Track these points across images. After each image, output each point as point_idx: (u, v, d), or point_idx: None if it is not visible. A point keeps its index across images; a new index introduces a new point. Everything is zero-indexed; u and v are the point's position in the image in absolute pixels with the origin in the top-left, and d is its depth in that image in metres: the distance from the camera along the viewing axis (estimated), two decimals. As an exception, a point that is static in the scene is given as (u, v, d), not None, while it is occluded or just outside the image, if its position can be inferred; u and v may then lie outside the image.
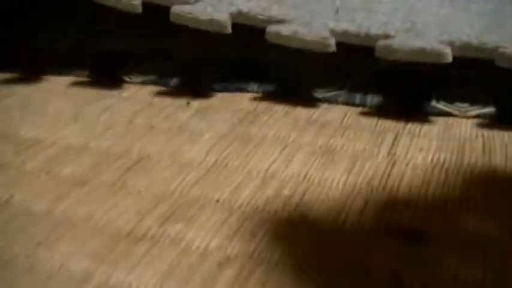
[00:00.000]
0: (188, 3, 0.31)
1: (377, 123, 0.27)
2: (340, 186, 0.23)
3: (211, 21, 0.29)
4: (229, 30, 0.29)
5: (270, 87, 0.31)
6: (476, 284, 0.18)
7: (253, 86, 0.31)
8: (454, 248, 0.19)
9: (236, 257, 0.20)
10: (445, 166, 0.24)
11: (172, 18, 0.30)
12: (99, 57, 0.35)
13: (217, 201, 0.23)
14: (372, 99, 0.29)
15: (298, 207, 0.22)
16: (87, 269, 0.20)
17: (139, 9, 0.31)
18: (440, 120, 0.27)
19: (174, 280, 0.19)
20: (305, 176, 0.24)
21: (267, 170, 0.25)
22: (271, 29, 0.29)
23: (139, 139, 0.28)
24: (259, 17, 0.30)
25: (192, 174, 0.25)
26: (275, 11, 0.30)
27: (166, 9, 0.31)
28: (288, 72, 0.31)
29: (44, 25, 0.37)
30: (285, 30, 0.29)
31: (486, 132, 0.26)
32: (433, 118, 0.27)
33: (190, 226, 0.22)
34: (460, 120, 0.27)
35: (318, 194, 0.23)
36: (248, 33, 0.30)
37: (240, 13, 0.30)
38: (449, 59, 0.26)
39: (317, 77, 0.31)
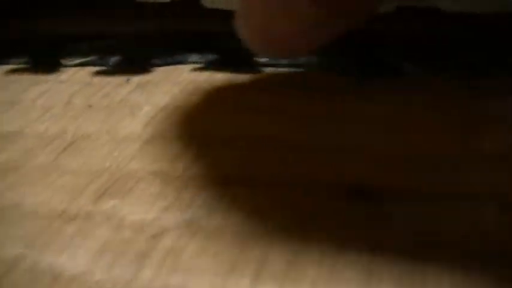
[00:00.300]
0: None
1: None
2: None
3: None
4: None
5: (211, 57, 0.30)
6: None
7: (194, 57, 0.30)
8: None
9: (172, 227, 0.19)
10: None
11: None
12: (36, 43, 0.34)
13: (154, 173, 0.22)
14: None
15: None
16: (19, 254, 0.19)
17: None
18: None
19: (107, 256, 0.18)
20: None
21: (205, 133, 0.24)
22: (205, -7, 0.28)
23: (76, 119, 0.26)
24: None
25: (129, 149, 0.24)
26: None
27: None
28: (229, 40, 0.30)
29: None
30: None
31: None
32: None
33: (126, 201, 0.21)
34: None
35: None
36: (184, 2, 0.29)
37: None
38: None
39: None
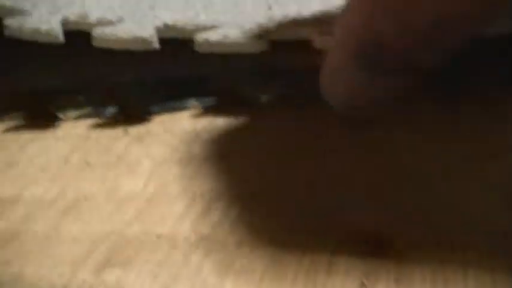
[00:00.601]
0: (111, 24, 0.28)
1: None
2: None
3: (136, 39, 0.27)
4: (157, 45, 0.27)
5: (208, 101, 0.29)
6: None
7: (192, 102, 0.29)
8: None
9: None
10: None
11: (95, 43, 0.28)
12: (30, 96, 0.33)
13: (159, 236, 0.21)
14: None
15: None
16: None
17: (62, 39, 0.29)
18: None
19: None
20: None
21: (211, 190, 0.23)
22: (200, 37, 0.27)
23: (75, 179, 0.26)
24: (187, 27, 0.28)
25: (130, 210, 0.23)
26: (202, 19, 0.28)
27: (88, 35, 0.28)
28: (226, 83, 0.29)
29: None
30: (214, 36, 0.27)
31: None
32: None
33: (130, 270, 0.20)
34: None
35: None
36: (179, 47, 0.28)
37: (166, 26, 0.28)
38: None
39: (255, 82, 0.28)
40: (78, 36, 0.29)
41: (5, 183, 0.27)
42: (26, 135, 0.31)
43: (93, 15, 0.29)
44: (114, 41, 0.28)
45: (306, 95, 0.28)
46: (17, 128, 0.31)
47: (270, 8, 0.28)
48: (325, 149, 0.24)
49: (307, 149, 0.24)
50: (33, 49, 0.31)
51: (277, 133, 0.26)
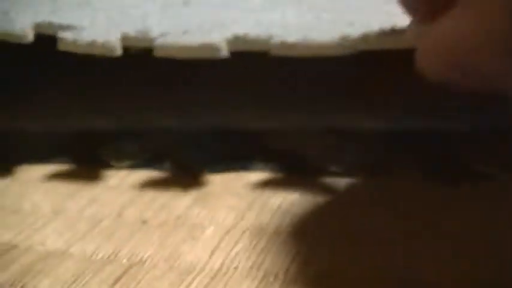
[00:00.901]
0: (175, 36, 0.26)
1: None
2: None
3: (203, 46, 0.25)
4: (226, 53, 0.25)
5: (277, 163, 0.27)
6: None
7: (258, 164, 0.27)
8: None
9: None
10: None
11: (156, 53, 0.26)
12: (80, 139, 0.31)
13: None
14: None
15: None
16: None
17: (119, 52, 0.26)
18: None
19: None
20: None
21: (287, 270, 0.20)
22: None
23: (130, 238, 0.23)
24: (260, 39, 0.25)
25: (194, 284, 0.20)
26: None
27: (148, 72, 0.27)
28: (293, 143, 0.27)
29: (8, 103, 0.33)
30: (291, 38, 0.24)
31: None
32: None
33: None
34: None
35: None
36: (250, 99, 0.26)
37: (236, 38, 0.25)
38: None
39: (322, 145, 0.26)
40: (134, 75, 0.28)
41: (51, 235, 0.25)
42: (75, 183, 0.29)
43: (155, 31, 0.26)
44: (178, 49, 0.26)
45: (377, 161, 0.26)
46: (65, 174, 0.29)
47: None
48: (410, 230, 0.22)
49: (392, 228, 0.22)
50: (86, 87, 0.30)
51: (351, 205, 0.24)
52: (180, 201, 0.25)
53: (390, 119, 0.26)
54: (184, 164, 0.28)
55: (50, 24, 0.28)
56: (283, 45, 0.24)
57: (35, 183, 0.29)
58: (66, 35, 0.27)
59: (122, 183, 0.28)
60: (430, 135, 0.26)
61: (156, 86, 0.29)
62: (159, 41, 0.26)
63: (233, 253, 0.22)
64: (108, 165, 0.29)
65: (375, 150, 0.26)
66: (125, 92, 0.31)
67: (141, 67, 0.28)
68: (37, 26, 0.28)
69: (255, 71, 0.27)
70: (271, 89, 0.28)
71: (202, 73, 0.28)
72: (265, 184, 0.26)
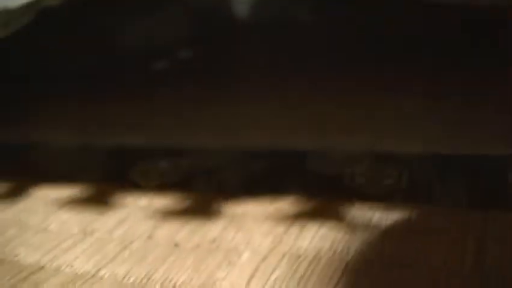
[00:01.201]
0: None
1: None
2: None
3: None
4: None
5: (313, 186, 0.26)
6: None
7: (294, 186, 0.26)
8: None
9: None
10: None
11: None
12: (109, 156, 0.30)
13: None
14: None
15: None
16: None
17: None
18: None
19: None
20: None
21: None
22: None
23: (162, 262, 0.22)
24: None
25: (234, 313, 0.19)
26: None
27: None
28: (328, 164, 0.26)
29: (41, 119, 0.32)
30: None
31: None
32: None
33: None
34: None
35: None
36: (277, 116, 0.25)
37: None
38: None
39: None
40: (168, 91, 0.27)
41: (81, 256, 0.24)
42: (104, 202, 0.28)
43: None
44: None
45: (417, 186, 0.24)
46: (93, 193, 0.29)
47: None
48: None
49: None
50: (115, 101, 0.29)
51: (389, 233, 0.22)
52: (213, 223, 0.24)
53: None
54: (217, 185, 0.27)
55: None
56: None
57: (61, 202, 0.28)
58: None
59: (151, 203, 0.27)
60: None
61: (190, 103, 0.29)
62: None
63: (271, 280, 0.20)
64: (137, 185, 0.29)
65: (414, 175, 0.25)
66: (155, 109, 0.30)
67: (175, 84, 0.28)
68: None
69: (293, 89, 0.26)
70: (309, 110, 0.27)
71: (237, 91, 0.27)
72: (303, 207, 0.25)
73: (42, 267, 0.23)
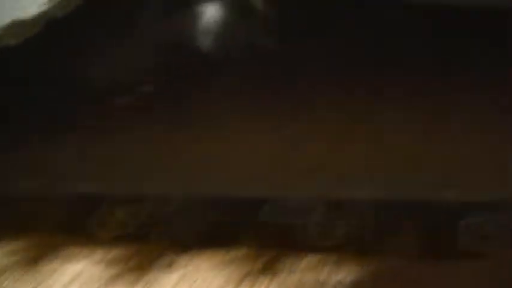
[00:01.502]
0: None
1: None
2: None
3: None
4: None
5: (266, 238, 0.26)
6: None
7: (246, 237, 0.26)
8: None
9: None
10: None
11: None
12: (68, 204, 0.30)
13: None
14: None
15: None
16: None
17: None
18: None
19: None
20: None
21: None
22: None
23: (114, 321, 0.22)
24: None
25: None
26: None
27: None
28: (283, 215, 0.26)
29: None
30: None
31: None
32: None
33: None
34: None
35: None
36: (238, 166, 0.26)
37: None
38: None
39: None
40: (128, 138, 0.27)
41: (34, 316, 0.24)
42: (59, 252, 0.28)
43: None
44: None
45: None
46: (47, 246, 0.28)
47: None
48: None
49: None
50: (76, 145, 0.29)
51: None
52: (167, 278, 0.25)
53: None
54: (172, 234, 0.27)
55: None
56: None
57: (11, 258, 0.28)
58: None
59: (107, 255, 0.27)
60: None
61: (147, 152, 0.29)
62: None
63: None
64: (94, 236, 0.28)
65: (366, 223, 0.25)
66: (116, 156, 0.30)
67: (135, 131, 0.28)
68: None
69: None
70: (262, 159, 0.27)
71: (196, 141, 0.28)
72: (255, 260, 0.25)
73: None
